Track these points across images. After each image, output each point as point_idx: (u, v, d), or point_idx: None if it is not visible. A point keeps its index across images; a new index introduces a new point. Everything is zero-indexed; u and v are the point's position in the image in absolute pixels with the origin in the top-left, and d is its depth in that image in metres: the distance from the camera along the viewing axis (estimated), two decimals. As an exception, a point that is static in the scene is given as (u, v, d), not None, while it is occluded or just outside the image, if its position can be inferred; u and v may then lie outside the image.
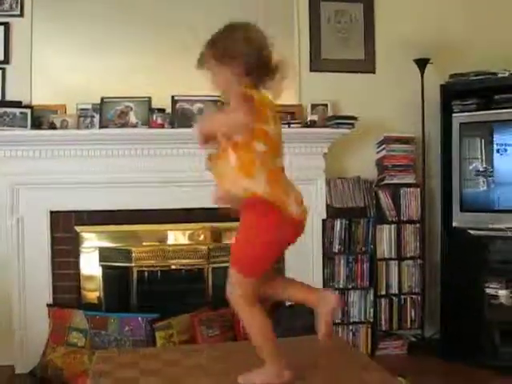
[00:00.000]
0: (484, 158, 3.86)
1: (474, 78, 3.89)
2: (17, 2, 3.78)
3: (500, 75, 3.82)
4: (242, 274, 1.91)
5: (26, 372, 3.57)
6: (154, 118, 3.69)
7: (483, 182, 3.87)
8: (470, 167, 3.89)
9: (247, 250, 1.90)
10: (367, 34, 4.20)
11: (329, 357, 2.27)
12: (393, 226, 4.02)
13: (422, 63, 4.00)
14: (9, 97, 3.76)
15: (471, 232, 3.76)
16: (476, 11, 4.22)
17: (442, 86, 4.00)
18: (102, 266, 3.84)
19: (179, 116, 3.73)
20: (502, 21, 4.21)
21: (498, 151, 3.79)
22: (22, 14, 3.79)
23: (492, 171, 3.80)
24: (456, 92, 3.93)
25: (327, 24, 4.15)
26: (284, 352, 2.24)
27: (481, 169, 3.86)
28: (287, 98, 3.98)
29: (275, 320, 3.68)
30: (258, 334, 1.95)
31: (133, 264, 3.80)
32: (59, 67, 3.80)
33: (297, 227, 1.93)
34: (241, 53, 1.89)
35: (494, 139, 3.80)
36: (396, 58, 4.14)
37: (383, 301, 4.03)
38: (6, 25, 3.78)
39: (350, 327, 3.98)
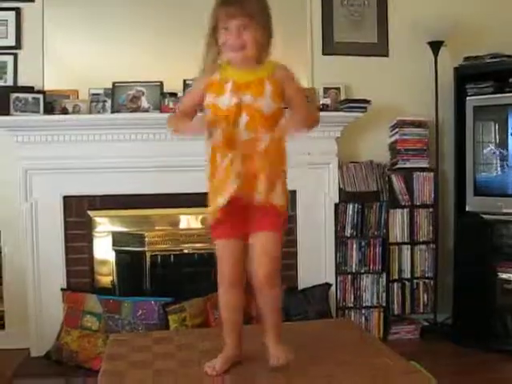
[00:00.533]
0: (498, 141, 3.82)
1: (489, 60, 3.84)
2: (28, -13, 3.77)
3: (515, 58, 3.77)
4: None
5: (41, 355, 3.61)
6: (166, 102, 3.68)
7: (497, 166, 3.84)
8: (484, 151, 3.86)
9: None
10: (380, 17, 4.15)
11: (341, 341, 2.27)
12: (405, 210, 4.00)
13: (435, 46, 3.95)
14: (21, 82, 3.77)
15: (484, 216, 3.74)
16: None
17: (455, 68, 3.95)
18: (115, 250, 3.86)
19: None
20: (517, 3, 4.15)
21: (510, 135, 3.74)
22: (33, -1, 3.79)
23: (506, 155, 3.76)
24: (470, 75, 3.88)
25: (340, 7, 4.11)
26: (297, 335, 2.26)
27: (495, 152, 3.83)
28: (299, 81, 3.96)
29: (287, 304, 3.72)
30: None
31: (146, 248, 3.82)
32: (71, 52, 3.80)
33: None
34: (272, 26, 1.93)
35: (509, 123, 3.76)
36: (409, 41, 4.09)
37: (396, 285, 4.02)
38: (18, 10, 3.77)
39: (363, 311, 3.98)
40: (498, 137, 3.84)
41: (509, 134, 3.76)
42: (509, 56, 3.79)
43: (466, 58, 3.92)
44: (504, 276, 3.66)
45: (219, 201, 1.91)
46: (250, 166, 1.89)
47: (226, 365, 1.98)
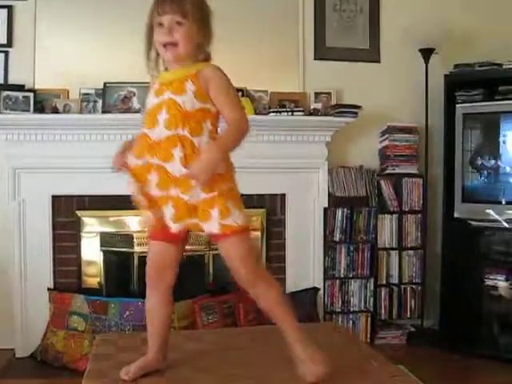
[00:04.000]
0: (486, 149, 3.85)
1: (479, 68, 3.88)
2: (20, -15, 3.76)
3: (505, 66, 3.80)
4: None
5: (26, 355, 3.59)
6: (157, 103, 3.67)
7: (485, 172, 3.87)
8: (473, 158, 3.88)
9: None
10: (372, 23, 4.18)
11: (328, 344, 2.27)
12: (394, 215, 4.03)
13: (426, 53, 3.98)
14: (11, 80, 3.75)
15: (472, 223, 3.76)
16: (481, 2, 4.20)
17: (445, 76, 3.98)
18: (103, 251, 3.84)
19: (182, 102, 3.71)
20: (508, 12, 4.18)
21: (502, 142, 3.77)
22: (25, -3, 3.77)
23: (494, 162, 3.80)
24: (460, 82, 3.92)
25: (332, 12, 4.13)
26: (283, 338, 2.25)
27: (483, 160, 3.85)
28: (291, 85, 3.98)
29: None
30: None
31: (134, 249, 3.80)
32: (62, 51, 3.79)
33: None
34: (211, 25, 1.85)
35: (498, 130, 3.79)
36: (401, 48, 4.12)
37: (383, 290, 4.04)
38: (10, 8, 3.76)
39: (350, 316, 3.99)
40: (486, 144, 3.87)
41: (498, 141, 3.79)
42: (498, 64, 3.82)
43: (457, 66, 3.95)
44: (490, 282, 3.68)
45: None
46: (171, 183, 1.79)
47: (142, 370, 1.90)
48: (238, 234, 1.79)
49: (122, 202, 3.70)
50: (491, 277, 3.69)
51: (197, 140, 1.76)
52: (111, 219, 3.85)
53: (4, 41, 3.75)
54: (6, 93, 3.59)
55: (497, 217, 3.68)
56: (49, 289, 3.67)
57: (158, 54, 1.87)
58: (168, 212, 1.82)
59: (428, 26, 3.91)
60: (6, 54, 3.76)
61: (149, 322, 1.99)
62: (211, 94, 1.79)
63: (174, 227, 1.82)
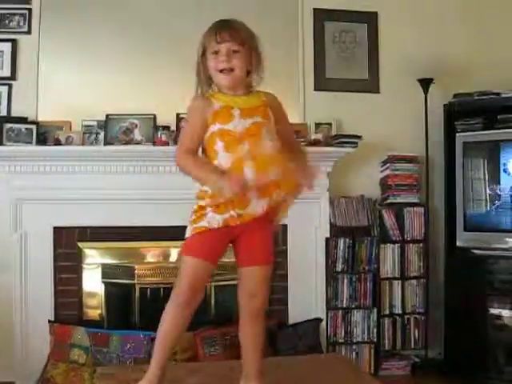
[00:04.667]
0: (488, 177, 3.86)
1: (478, 97, 3.90)
2: (24, 20, 3.81)
3: (504, 95, 3.83)
4: None
5: (26, 389, 3.55)
6: (159, 135, 3.70)
7: (487, 201, 3.87)
8: (474, 187, 3.89)
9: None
10: (371, 54, 4.22)
11: (333, 376, 2.25)
12: (396, 245, 4.01)
13: (425, 83, 4.02)
14: (15, 113, 3.78)
15: (475, 252, 3.75)
16: (479, 32, 4.24)
17: (445, 105, 4.02)
18: (105, 282, 3.83)
19: (184, 133, 3.74)
20: (506, 41, 4.23)
21: (502, 171, 3.78)
22: (29, 31, 3.83)
23: (496, 191, 3.80)
24: (459, 112, 3.95)
25: (332, 43, 4.18)
26: (287, 371, 2.23)
27: (484, 188, 3.86)
28: (291, 116, 3.99)
29: (278, 339, 3.69)
30: None
31: (135, 281, 3.78)
32: (65, 84, 3.83)
33: None
34: (261, 53, 1.98)
35: (498, 159, 3.80)
36: (400, 78, 4.16)
37: (387, 320, 4.00)
38: (14, 41, 3.81)
39: (354, 347, 3.95)
40: (487, 172, 3.88)
41: (499, 169, 3.80)
42: (497, 93, 3.85)
43: (456, 95, 3.98)
44: (494, 311, 3.65)
45: (214, 218, 1.87)
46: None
47: None
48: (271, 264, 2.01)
49: (124, 234, 3.75)
50: (495, 305, 3.66)
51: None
52: (113, 251, 3.85)
53: (8, 73, 3.79)
54: (9, 125, 3.62)
55: (499, 245, 3.67)
56: (49, 321, 3.64)
57: (209, 80, 1.97)
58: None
59: (426, 56, 3.97)
60: (10, 86, 3.80)
61: (166, 339, 1.95)
62: (281, 121, 1.99)
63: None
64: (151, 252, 3.85)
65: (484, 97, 3.88)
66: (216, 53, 1.90)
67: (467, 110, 3.92)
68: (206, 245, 1.88)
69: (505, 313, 3.64)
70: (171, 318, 1.93)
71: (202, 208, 1.89)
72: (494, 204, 3.83)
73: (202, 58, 1.95)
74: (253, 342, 2.00)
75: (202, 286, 1.95)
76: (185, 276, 1.90)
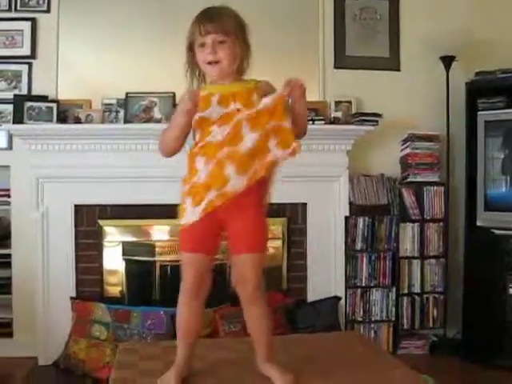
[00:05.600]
0: (510, 156, 3.81)
1: (500, 75, 3.84)
2: (44, -2, 3.82)
3: (527, 73, 3.77)
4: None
5: (48, 364, 3.62)
6: (178, 113, 3.70)
7: (508, 181, 3.83)
8: (495, 166, 3.85)
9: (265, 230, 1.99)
10: (392, 32, 4.17)
11: (352, 354, 2.26)
12: (416, 224, 4.00)
13: (447, 61, 3.96)
14: (35, 91, 3.81)
15: (495, 231, 3.72)
16: (501, 9, 4.18)
17: (467, 83, 3.95)
18: (125, 259, 3.86)
19: (203, 111, 3.74)
20: (530, 19, 4.16)
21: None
22: (48, 10, 3.84)
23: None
24: (481, 90, 3.89)
25: (352, 21, 4.13)
26: (307, 347, 2.25)
27: (506, 167, 3.82)
28: (311, 94, 3.97)
29: (297, 317, 3.71)
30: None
31: (156, 258, 3.83)
32: (85, 62, 3.84)
33: None
34: (248, 39, 1.95)
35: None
36: (421, 56, 4.11)
37: (405, 299, 4.00)
38: (33, 20, 3.82)
39: (372, 325, 3.96)
40: (509, 152, 3.83)
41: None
42: (520, 71, 3.79)
43: (478, 73, 3.92)
44: (514, 292, 3.64)
45: (193, 213, 1.88)
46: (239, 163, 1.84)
47: (179, 378, 1.93)
48: (264, 250, 2.01)
49: (144, 212, 3.77)
50: (514, 286, 3.65)
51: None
52: (133, 228, 3.88)
53: (28, 52, 3.81)
54: (29, 103, 3.64)
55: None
56: (71, 297, 3.70)
57: (199, 71, 1.96)
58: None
59: (449, 33, 3.89)
60: (30, 65, 3.82)
61: (185, 332, 1.99)
62: None
63: None
64: (171, 229, 3.86)
65: (506, 75, 3.81)
66: (202, 45, 1.88)
67: (489, 88, 3.86)
68: (196, 238, 1.91)
69: (524, 293, 3.62)
70: (184, 310, 1.97)
71: (183, 202, 1.92)
72: (515, 183, 3.79)
73: (190, 48, 1.93)
74: (254, 327, 2.01)
75: (206, 276, 1.95)
76: (186, 270, 1.95)
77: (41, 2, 3.83)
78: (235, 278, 1.99)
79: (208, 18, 1.88)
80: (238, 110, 1.85)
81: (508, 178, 3.83)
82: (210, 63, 1.88)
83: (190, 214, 1.89)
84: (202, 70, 1.94)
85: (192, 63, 1.95)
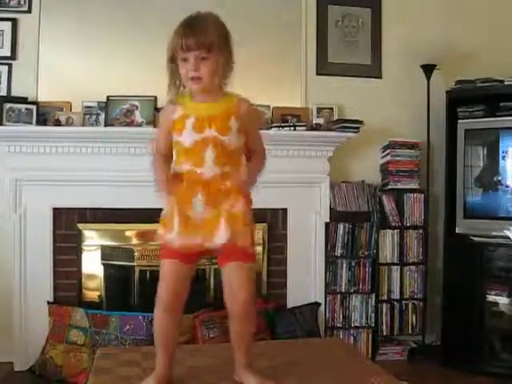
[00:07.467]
0: (489, 164, 3.86)
1: (480, 84, 3.88)
2: (25, -1, 3.78)
3: (506, 82, 3.80)
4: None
5: (25, 369, 3.56)
6: (160, 117, 3.68)
7: (487, 188, 3.86)
8: (475, 174, 3.89)
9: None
10: (374, 39, 4.20)
11: (331, 359, 2.26)
12: (396, 231, 4.02)
13: (428, 69, 4.00)
14: (15, 93, 3.76)
15: (474, 239, 3.76)
16: (483, 19, 4.23)
17: (447, 92, 3.99)
18: (104, 264, 3.82)
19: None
20: (509, 28, 4.21)
21: (503, 158, 3.78)
22: (29, 11, 3.79)
23: (497, 178, 3.80)
24: (462, 98, 3.93)
25: (334, 28, 4.15)
26: (286, 353, 2.24)
27: (485, 176, 3.86)
28: (293, 100, 3.99)
29: (277, 323, 3.70)
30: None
31: (135, 263, 3.79)
32: (66, 64, 3.80)
33: None
34: (232, 51, 1.90)
35: (500, 146, 3.80)
36: (402, 64, 4.15)
37: (385, 306, 4.02)
38: (14, 21, 3.78)
39: (351, 331, 3.96)
40: (488, 160, 3.87)
41: (499, 157, 3.79)
42: (500, 81, 3.83)
43: (458, 82, 3.96)
44: (492, 298, 3.67)
45: (171, 238, 1.86)
46: (212, 209, 1.84)
47: None
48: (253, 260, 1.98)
49: (124, 216, 3.74)
50: (493, 293, 3.69)
51: (238, 172, 1.89)
52: (112, 233, 3.84)
53: (8, 53, 3.76)
54: (8, 105, 3.60)
55: (498, 233, 3.67)
56: (48, 302, 3.65)
57: (180, 81, 1.90)
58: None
59: (430, 42, 3.93)
60: (10, 66, 3.77)
61: (163, 342, 1.95)
62: (249, 130, 1.92)
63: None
64: (151, 234, 3.83)
65: (486, 84, 3.86)
66: (185, 60, 1.82)
67: (469, 97, 3.90)
68: (176, 249, 1.87)
69: (502, 300, 3.67)
70: (160, 322, 1.93)
71: (171, 215, 1.90)
72: (493, 191, 3.82)
73: (171, 60, 1.87)
74: (236, 339, 1.98)
75: (183, 287, 1.91)
76: (163, 279, 1.90)
77: (22, 2, 3.79)
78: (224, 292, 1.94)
79: (190, 31, 1.80)
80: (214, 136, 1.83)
81: (487, 186, 3.87)
82: (192, 79, 1.83)
83: (176, 236, 1.85)
84: (183, 82, 1.90)
85: (173, 74, 1.90)
